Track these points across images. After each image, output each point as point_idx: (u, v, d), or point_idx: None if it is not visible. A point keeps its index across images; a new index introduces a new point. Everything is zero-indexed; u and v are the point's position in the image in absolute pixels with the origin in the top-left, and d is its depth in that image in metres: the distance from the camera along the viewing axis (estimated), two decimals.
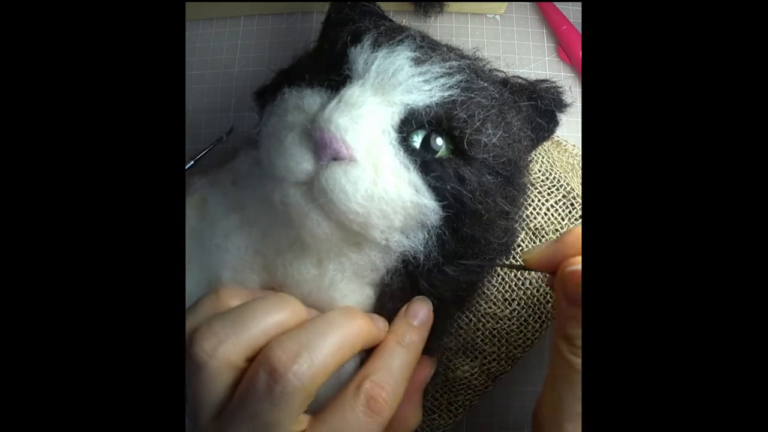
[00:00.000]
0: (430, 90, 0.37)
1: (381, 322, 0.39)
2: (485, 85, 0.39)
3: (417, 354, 0.39)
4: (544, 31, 0.64)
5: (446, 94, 0.37)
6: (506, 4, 0.63)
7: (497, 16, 0.65)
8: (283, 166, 0.36)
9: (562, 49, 0.63)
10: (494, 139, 0.38)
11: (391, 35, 0.39)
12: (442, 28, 0.64)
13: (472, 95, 0.38)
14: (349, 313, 0.36)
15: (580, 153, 0.59)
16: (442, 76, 0.37)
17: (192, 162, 0.59)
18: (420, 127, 0.37)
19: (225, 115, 0.62)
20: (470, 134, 0.37)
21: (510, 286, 0.52)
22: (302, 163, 0.35)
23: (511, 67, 0.45)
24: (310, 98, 0.38)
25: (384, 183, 0.35)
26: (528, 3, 0.65)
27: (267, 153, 0.37)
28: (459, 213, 0.37)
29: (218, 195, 0.44)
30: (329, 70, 0.39)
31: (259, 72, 0.47)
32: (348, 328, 0.35)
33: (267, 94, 0.43)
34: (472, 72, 0.39)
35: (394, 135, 0.36)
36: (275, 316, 0.34)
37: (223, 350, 0.32)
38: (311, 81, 0.39)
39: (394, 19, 0.47)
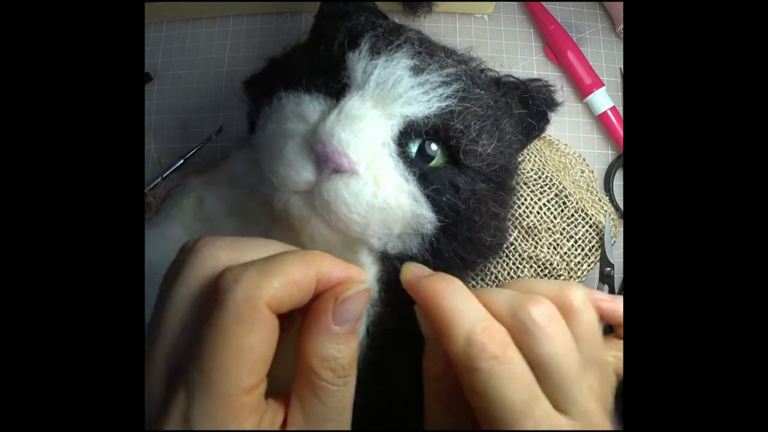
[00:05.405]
0: (429, 101, 0.37)
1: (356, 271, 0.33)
2: (481, 93, 0.40)
3: None
4: (532, 30, 0.65)
5: (444, 104, 0.37)
6: (494, 3, 0.63)
7: (485, 16, 0.65)
8: (284, 175, 0.36)
9: (549, 49, 0.63)
10: (489, 149, 0.39)
11: (388, 39, 0.39)
12: (430, 27, 0.64)
13: (469, 105, 0.38)
14: (316, 253, 0.31)
15: (572, 152, 0.60)
16: (440, 86, 0.38)
17: (182, 160, 0.58)
18: (417, 136, 0.37)
19: (215, 114, 0.62)
20: (466, 144, 0.38)
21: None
22: (303, 173, 0.35)
23: (499, 66, 0.46)
24: (309, 105, 0.38)
25: (384, 195, 0.35)
26: (516, 3, 0.65)
27: (267, 160, 0.37)
28: (455, 221, 0.38)
29: (215, 196, 0.44)
30: (326, 74, 0.39)
31: (248, 72, 0.46)
32: (309, 262, 0.30)
33: (258, 89, 0.43)
34: (469, 79, 0.40)
35: (393, 147, 0.37)
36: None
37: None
38: (308, 86, 0.39)
39: None
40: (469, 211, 0.38)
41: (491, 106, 0.40)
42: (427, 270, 0.35)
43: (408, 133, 0.37)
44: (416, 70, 0.38)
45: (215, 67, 0.63)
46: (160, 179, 0.57)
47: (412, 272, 0.34)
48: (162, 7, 0.61)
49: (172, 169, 0.58)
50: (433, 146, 0.38)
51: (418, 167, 0.37)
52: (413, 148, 0.38)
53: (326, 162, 0.35)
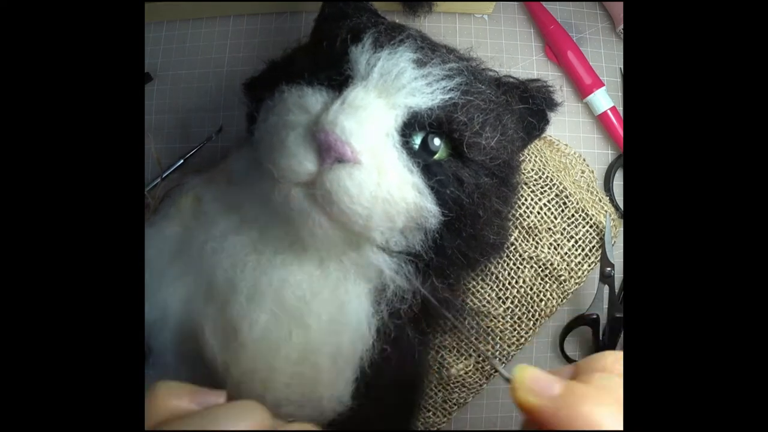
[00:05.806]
0: (432, 93, 0.37)
1: None
2: (483, 88, 0.40)
3: None
4: (532, 30, 0.65)
5: (447, 96, 0.37)
6: (494, 3, 0.63)
7: (485, 16, 0.65)
8: (285, 166, 0.36)
9: (549, 49, 0.63)
10: (492, 142, 0.39)
11: (391, 35, 0.39)
12: (430, 27, 0.64)
13: (472, 98, 0.38)
14: None
15: (572, 152, 0.60)
16: (443, 79, 0.37)
17: (182, 160, 0.58)
18: (421, 128, 0.37)
19: (215, 114, 0.61)
20: (469, 137, 0.38)
21: (504, 285, 0.52)
22: (305, 163, 0.35)
23: (499, 66, 0.46)
24: (312, 97, 0.37)
25: (388, 185, 0.35)
26: (516, 3, 0.65)
27: (268, 152, 0.37)
28: (459, 215, 0.38)
29: (213, 194, 0.44)
30: (329, 68, 0.38)
31: (248, 72, 0.46)
32: None
33: (259, 88, 0.43)
34: (471, 74, 0.40)
35: (397, 137, 0.36)
36: (241, 424, 0.28)
37: None
38: (311, 79, 0.38)
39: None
40: (473, 205, 0.38)
41: (493, 101, 0.40)
42: (545, 375, 0.29)
43: (412, 124, 0.37)
44: (419, 63, 0.38)
45: (215, 67, 0.63)
46: (159, 179, 0.57)
47: (532, 386, 0.28)
48: (162, 7, 0.61)
49: (172, 169, 0.58)
50: (436, 140, 0.38)
51: (422, 159, 0.37)
52: (417, 141, 0.37)
53: (328, 151, 0.34)
